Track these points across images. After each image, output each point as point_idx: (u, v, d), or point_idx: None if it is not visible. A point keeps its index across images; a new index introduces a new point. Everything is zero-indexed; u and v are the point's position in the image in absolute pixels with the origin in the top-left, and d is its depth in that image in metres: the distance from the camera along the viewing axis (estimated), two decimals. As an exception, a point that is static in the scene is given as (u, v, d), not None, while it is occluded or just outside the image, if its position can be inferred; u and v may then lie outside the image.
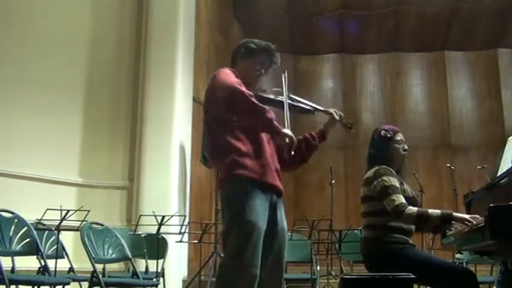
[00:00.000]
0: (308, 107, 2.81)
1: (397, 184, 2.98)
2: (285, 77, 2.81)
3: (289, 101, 2.78)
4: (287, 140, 2.47)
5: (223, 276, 2.47)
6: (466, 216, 2.89)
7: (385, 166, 3.07)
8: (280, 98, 2.76)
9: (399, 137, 3.17)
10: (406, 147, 3.17)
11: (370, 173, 3.09)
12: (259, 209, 2.47)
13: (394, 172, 3.07)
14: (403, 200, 2.92)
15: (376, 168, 3.06)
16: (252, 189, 2.48)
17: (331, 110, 2.88)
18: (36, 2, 5.85)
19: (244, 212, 2.45)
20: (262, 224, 2.47)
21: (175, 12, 6.45)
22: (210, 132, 2.69)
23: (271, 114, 2.48)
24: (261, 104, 2.48)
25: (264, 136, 2.62)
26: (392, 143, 3.14)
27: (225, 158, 2.55)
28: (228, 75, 2.57)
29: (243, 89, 2.48)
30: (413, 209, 2.87)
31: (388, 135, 3.15)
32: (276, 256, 2.58)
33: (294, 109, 2.79)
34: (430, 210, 2.88)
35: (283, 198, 2.70)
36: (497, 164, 3.04)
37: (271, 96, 2.77)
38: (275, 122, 2.48)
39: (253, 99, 2.46)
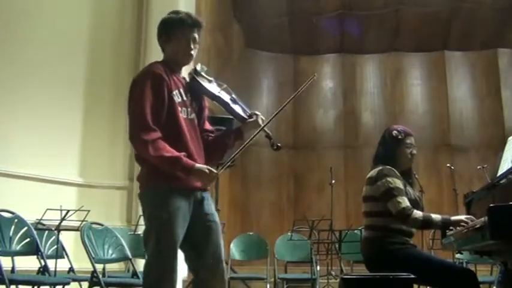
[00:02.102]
0: (243, 115, 2.61)
1: (402, 186, 2.99)
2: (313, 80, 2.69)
3: (231, 102, 2.61)
4: (202, 179, 2.42)
5: (146, 280, 2.45)
6: (462, 217, 2.94)
7: (389, 167, 3.06)
8: (222, 94, 2.61)
9: (409, 140, 3.16)
10: (414, 151, 3.17)
11: (373, 173, 3.08)
12: (178, 215, 2.41)
13: (398, 173, 3.06)
14: (409, 203, 2.93)
15: (380, 168, 3.06)
16: (171, 195, 2.42)
17: (257, 114, 2.63)
18: (35, 2, 5.85)
19: (162, 218, 2.40)
20: (181, 230, 2.42)
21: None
22: None
23: (175, 161, 2.37)
24: (159, 154, 2.37)
25: (190, 134, 2.51)
26: (402, 146, 3.14)
27: (147, 162, 2.47)
28: (139, 117, 2.41)
29: (146, 142, 2.37)
30: (419, 213, 2.91)
31: (399, 137, 3.14)
32: (214, 249, 2.50)
33: (229, 111, 2.62)
34: (433, 216, 2.93)
35: (210, 191, 2.63)
36: (497, 164, 3.04)
37: (211, 89, 2.60)
38: (183, 163, 2.37)
39: (154, 153, 2.36)
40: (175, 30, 2.58)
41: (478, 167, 3.78)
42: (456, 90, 9.04)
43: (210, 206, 2.57)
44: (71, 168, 5.97)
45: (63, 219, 4.30)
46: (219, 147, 2.68)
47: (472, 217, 2.86)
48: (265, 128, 2.58)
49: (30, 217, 4.31)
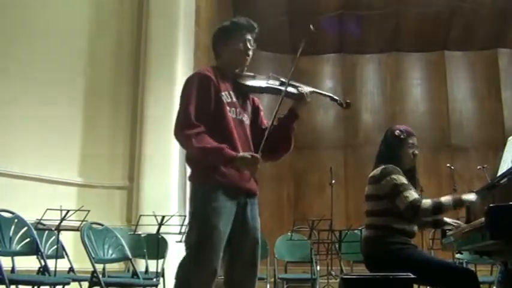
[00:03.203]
0: (297, 92, 2.64)
1: (406, 181, 3.00)
2: (308, 36, 2.63)
3: (282, 87, 2.62)
4: (246, 165, 2.44)
5: (179, 272, 2.47)
6: (472, 196, 2.95)
7: (392, 165, 3.07)
8: (270, 83, 2.65)
9: (412, 140, 3.19)
10: (416, 152, 3.19)
11: (376, 171, 3.09)
12: (222, 212, 2.44)
13: (401, 171, 3.07)
14: (416, 196, 2.94)
15: (383, 167, 3.07)
16: (216, 193, 2.46)
17: (304, 91, 2.66)
18: (35, 4, 5.85)
19: (206, 215, 2.44)
20: (224, 227, 2.44)
21: (175, 13, 6.45)
22: None
23: (218, 151, 2.43)
24: (202, 145, 2.44)
25: (238, 133, 2.55)
26: (404, 145, 3.16)
27: (194, 161, 2.56)
28: (184, 114, 2.49)
29: (189, 135, 2.44)
30: (428, 202, 2.91)
31: (402, 136, 3.16)
32: (249, 256, 2.53)
33: (284, 95, 2.62)
34: (443, 199, 2.92)
35: (257, 197, 2.65)
36: (497, 164, 3.05)
37: (257, 84, 2.64)
38: (226, 152, 2.43)
39: (197, 145, 2.43)
40: (233, 34, 2.65)
41: (478, 167, 3.78)
42: (456, 90, 9.04)
43: (254, 211, 2.60)
44: (71, 168, 5.97)
45: (63, 219, 4.30)
46: (284, 138, 2.70)
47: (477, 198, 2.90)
48: (325, 92, 2.72)
49: (30, 217, 4.31)
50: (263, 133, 2.61)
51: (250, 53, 2.67)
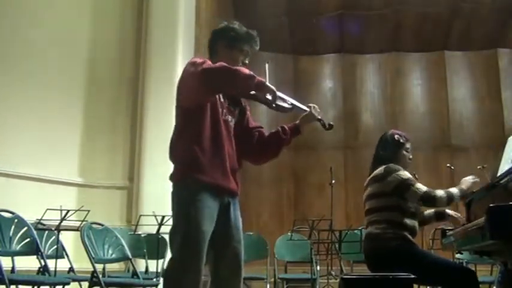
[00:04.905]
0: (287, 105, 2.63)
1: (410, 176, 3.10)
2: (266, 69, 2.64)
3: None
4: (269, 96, 2.43)
5: (167, 277, 2.48)
6: (469, 179, 3.10)
7: (393, 164, 3.14)
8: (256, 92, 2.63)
9: (408, 145, 3.31)
10: (411, 156, 3.31)
11: (379, 171, 3.15)
12: (206, 213, 2.44)
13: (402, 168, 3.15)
14: (425, 187, 3.03)
15: (385, 166, 3.14)
16: (200, 192, 2.46)
17: (310, 106, 2.70)
18: (36, 1, 5.85)
19: (190, 215, 2.43)
20: (208, 228, 2.45)
21: (176, 14, 6.45)
22: (175, 128, 2.69)
23: (248, 71, 2.42)
24: (234, 67, 2.43)
25: (224, 131, 2.57)
26: (403, 149, 3.27)
27: (180, 157, 2.58)
28: (197, 63, 2.48)
29: (210, 64, 2.44)
30: (441, 192, 3.01)
31: (401, 141, 3.28)
32: (232, 259, 2.54)
33: (274, 107, 2.62)
34: (452, 190, 3.03)
35: (238, 197, 2.68)
36: (497, 164, 3.05)
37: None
38: (257, 77, 2.43)
39: (226, 65, 2.41)
40: (239, 44, 2.65)
41: (478, 167, 3.79)
42: (456, 90, 9.03)
43: (236, 210, 2.62)
44: (71, 168, 5.97)
45: (63, 219, 4.31)
46: (275, 144, 2.74)
47: (475, 177, 3.09)
48: (316, 115, 2.68)
49: (30, 217, 4.32)
50: (248, 133, 2.69)
51: (244, 66, 2.67)
